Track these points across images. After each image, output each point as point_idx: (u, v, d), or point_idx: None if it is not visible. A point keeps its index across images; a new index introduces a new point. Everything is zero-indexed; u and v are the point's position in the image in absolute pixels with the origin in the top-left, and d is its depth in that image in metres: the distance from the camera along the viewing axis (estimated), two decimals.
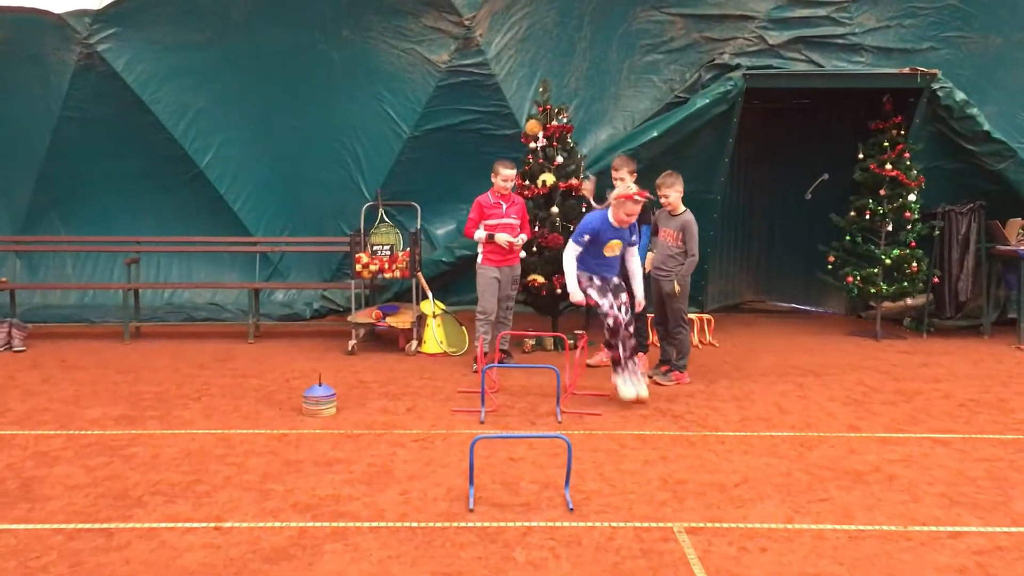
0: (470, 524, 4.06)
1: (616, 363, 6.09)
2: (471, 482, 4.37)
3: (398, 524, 4.05)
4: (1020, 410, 6.19)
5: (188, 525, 4.01)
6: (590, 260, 6.12)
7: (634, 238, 6.23)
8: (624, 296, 6.17)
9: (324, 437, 5.41)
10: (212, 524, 4.02)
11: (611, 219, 6.04)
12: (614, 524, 4.07)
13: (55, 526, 3.99)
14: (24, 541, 3.83)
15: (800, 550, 3.80)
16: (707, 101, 8.53)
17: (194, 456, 5.02)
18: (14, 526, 3.99)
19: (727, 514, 4.21)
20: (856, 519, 4.17)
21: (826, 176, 10.11)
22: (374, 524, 4.05)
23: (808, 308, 10.94)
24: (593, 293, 6.09)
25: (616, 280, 6.23)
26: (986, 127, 8.60)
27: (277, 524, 4.03)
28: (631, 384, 6.05)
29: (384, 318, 8.16)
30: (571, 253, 6.09)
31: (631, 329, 6.14)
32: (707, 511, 4.25)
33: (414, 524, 4.05)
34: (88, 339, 8.68)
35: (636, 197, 5.96)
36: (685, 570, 3.60)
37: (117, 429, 5.55)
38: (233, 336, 8.86)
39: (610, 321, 6.02)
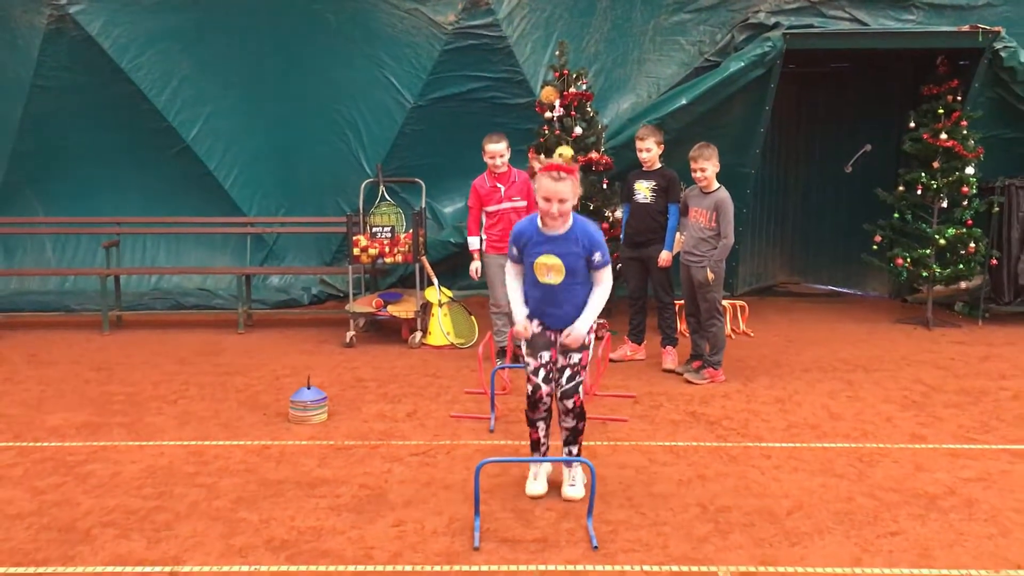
0: (475, 568, 3.45)
1: (534, 444, 4.19)
2: (476, 513, 3.77)
3: (389, 568, 3.45)
4: None
5: (139, 569, 3.42)
6: (530, 290, 4.04)
7: (596, 256, 3.87)
8: (549, 355, 4.03)
9: (310, 450, 4.81)
10: (168, 568, 3.43)
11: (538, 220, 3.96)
12: (647, 568, 3.46)
13: None
14: None
15: None
16: (742, 64, 7.83)
17: (159, 475, 4.43)
18: None
19: (782, 554, 3.58)
20: (937, 561, 3.53)
21: (868, 147, 9.37)
22: (360, 568, 3.44)
23: (848, 291, 10.26)
24: (524, 347, 4.09)
25: (562, 329, 3.99)
26: None
27: (245, 568, 3.44)
28: (540, 480, 4.19)
29: (385, 307, 7.54)
30: (508, 272, 4.12)
31: (569, 403, 4.02)
32: (757, 549, 3.62)
33: (408, 568, 3.44)
34: (64, 329, 8.12)
35: (555, 173, 3.73)
36: None
37: (77, 440, 4.97)
38: (223, 325, 8.28)
39: (529, 388, 4.05)
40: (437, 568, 3.45)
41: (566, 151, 7.22)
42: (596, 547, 3.60)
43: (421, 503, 4.09)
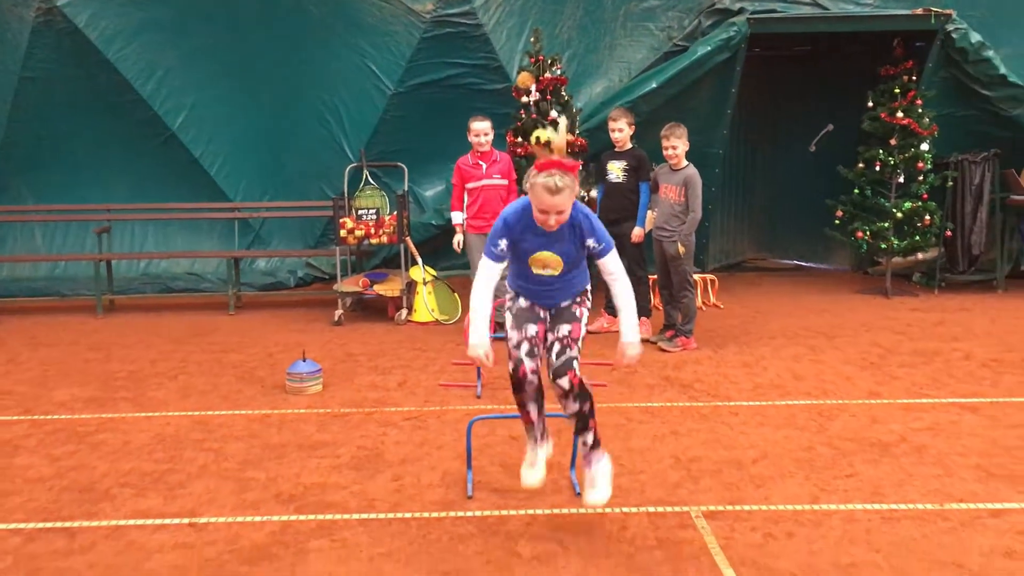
0: (469, 513, 3.75)
1: (528, 427, 3.66)
2: (469, 466, 4.06)
3: (390, 515, 3.74)
4: None
5: (159, 522, 3.69)
6: (517, 279, 3.59)
7: (591, 242, 3.38)
8: (536, 328, 3.50)
9: (309, 417, 5.08)
10: (186, 520, 3.70)
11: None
12: (626, 510, 3.77)
13: (13, 526, 3.66)
14: None
15: (830, 535, 3.50)
16: (708, 49, 8.15)
17: (168, 442, 4.69)
18: None
19: (747, 495, 3.91)
20: (887, 497, 3.87)
21: (831, 127, 9.74)
22: (364, 516, 3.73)
23: (813, 265, 10.63)
24: (509, 318, 3.58)
25: (556, 310, 3.57)
26: (1002, 70, 8.24)
27: (257, 518, 3.71)
28: (538, 467, 3.65)
29: (372, 286, 7.80)
30: (481, 276, 3.46)
31: (563, 382, 3.39)
32: (725, 492, 3.94)
33: (407, 515, 3.73)
34: (59, 314, 8.31)
35: (554, 180, 3.15)
36: (707, 561, 3.30)
37: (86, 413, 5.21)
38: (213, 307, 8.50)
39: (510, 365, 3.47)
40: (435, 515, 3.74)
41: (542, 134, 7.48)
42: (579, 493, 3.91)
43: (416, 461, 4.38)
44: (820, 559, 3.31)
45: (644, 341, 6.73)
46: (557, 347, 3.44)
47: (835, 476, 4.11)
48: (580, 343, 3.49)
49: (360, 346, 6.86)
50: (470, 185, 6.95)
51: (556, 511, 3.75)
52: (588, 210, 3.44)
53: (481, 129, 6.92)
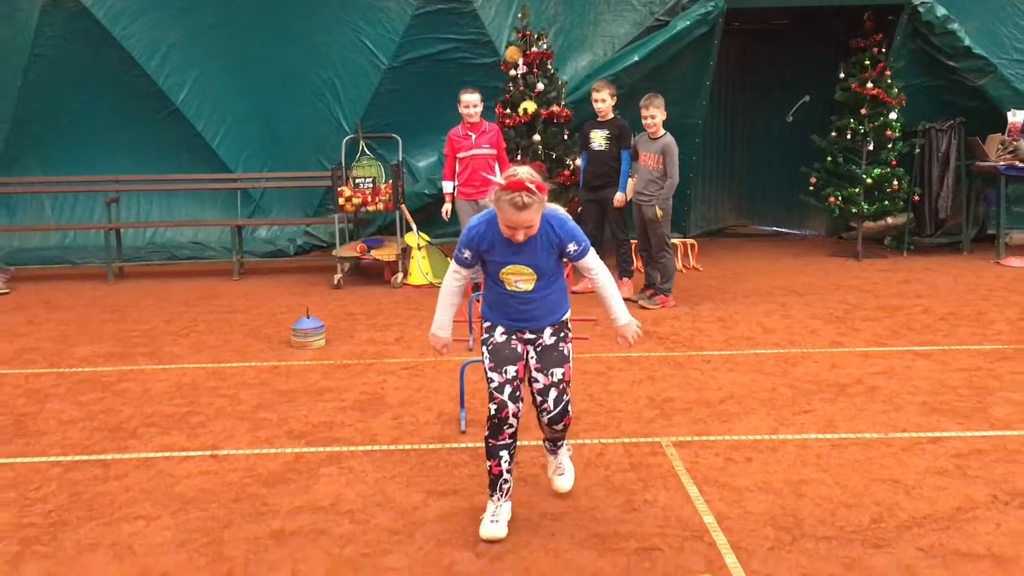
0: (463, 445, 4.13)
1: (493, 480, 3.34)
2: (462, 405, 4.44)
3: (392, 447, 4.12)
4: (999, 322, 6.30)
5: (184, 454, 4.07)
6: (491, 296, 3.37)
7: (571, 247, 3.23)
8: (516, 370, 3.29)
9: (314, 368, 5.45)
10: (208, 452, 4.08)
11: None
12: (603, 440, 4.16)
13: (52, 459, 4.04)
14: (22, 474, 3.87)
15: (784, 459, 3.90)
16: (687, 23, 8.44)
17: (186, 389, 5.06)
18: (11, 460, 4.04)
19: (713, 428, 4.30)
20: (839, 428, 4.27)
21: (807, 98, 10.12)
22: (368, 448, 4.12)
23: (790, 231, 11.00)
24: (486, 354, 3.34)
25: (533, 335, 3.34)
26: (967, 42, 8.56)
27: (272, 450, 4.10)
28: (501, 523, 3.28)
29: (369, 251, 8.15)
30: (449, 277, 3.38)
31: (559, 427, 3.39)
32: (693, 426, 4.34)
33: (407, 447, 4.12)
34: (71, 280, 8.64)
35: (520, 197, 3.00)
36: (673, 481, 3.69)
37: (107, 366, 5.58)
38: (217, 274, 8.84)
39: (492, 407, 3.28)
40: (432, 446, 4.13)
41: (530, 105, 7.84)
42: None
43: (414, 403, 4.76)
44: (774, 478, 3.71)
45: (626, 300, 7.17)
46: (554, 393, 3.30)
47: (794, 412, 4.51)
48: (569, 386, 3.39)
49: (359, 307, 7.23)
50: (461, 154, 7.28)
51: (541, 443, 4.13)
52: (560, 214, 3.25)
53: (471, 101, 7.24)
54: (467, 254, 3.28)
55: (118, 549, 3.18)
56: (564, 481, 3.58)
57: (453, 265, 3.35)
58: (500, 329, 3.36)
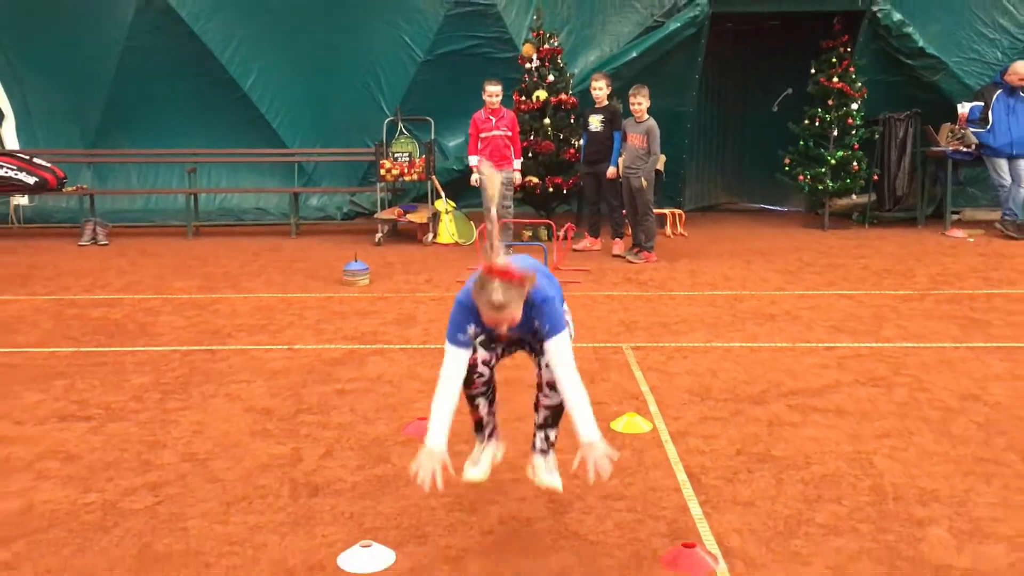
0: None
1: (476, 424, 3.18)
2: None
3: (421, 346, 5.36)
4: (920, 276, 7.41)
5: (268, 347, 5.33)
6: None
7: (537, 324, 2.79)
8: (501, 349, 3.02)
9: (361, 299, 6.70)
10: (285, 346, 5.35)
11: None
12: (579, 345, 5.34)
13: (172, 348, 5.32)
14: (153, 356, 5.16)
15: (710, 358, 5.07)
16: (678, 25, 9.57)
17: (263, 310, 6.33)
18: (143, 348, 5.33)
19: (664, 339, 5.49)
20: (758, 340, 5.44)
21: (790, 90, 11.16)
22: (403, 346, 5.35)
23: (774, 207, 12.09)
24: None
25: (519, 335, 2.94)
26: (920, 43, 9.62)
27: (332, 346, 5.35)
28: (482, 465, 3.15)
29: (405, 215, 9.40)
30: (447, 368, 2.85)
31: (542, 396, 3.02)
32: (649, 338, 5.53)
33: (432, 346, 5.35)
34: (157, 236, 9.97)
35: (497, 296, 2.63)
36: (626, 370, 4.88)
37: (200, 294, 6.87)
38: (277, 234, 10.13)
39: (474, 370, 2.95)
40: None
41: (541, 94, 9.02)
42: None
43: (440, 321, 5.98)
44: (698, 367, 4.89)
45: (616, 256, 8.36)
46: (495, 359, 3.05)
47: (728, 331, 5.68)
48: None
49: (396, 259, 8.47)
50: (483, 135, 8.50)
51: None
52: (545, 295, 2.81)
53: (494, 91, 8.44)
54: (469, 331, 2.83)
55: (230, 397, 4.44)
56: (555, 479, 3.06)
57: (450, 352, 2.83)
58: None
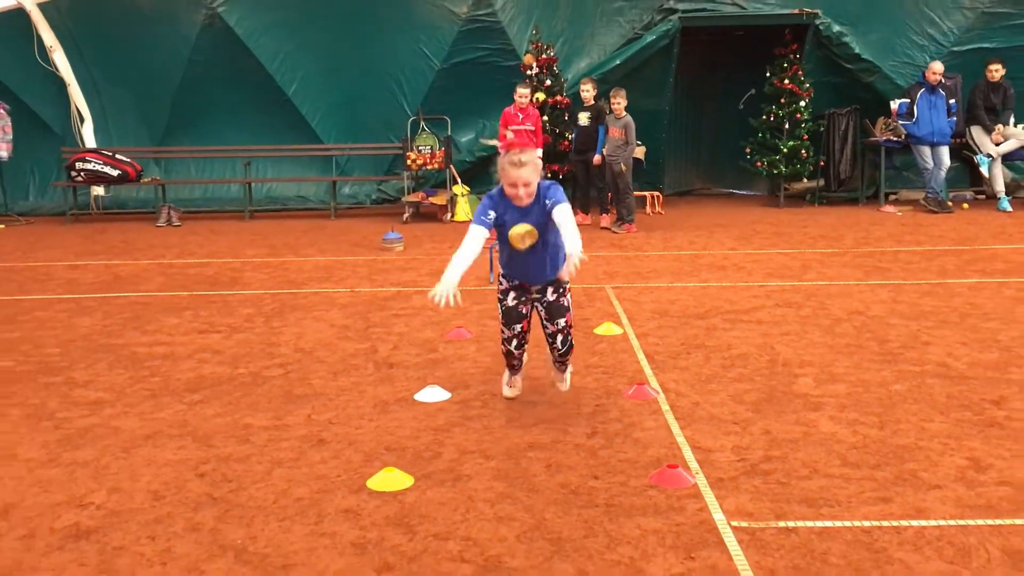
0: (491, 288, 6.71)
1: (510, 364, 4.07)
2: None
3: None
4: (848, 240, 8.75)
5: (336, 290, 6.68)
6: (504, 256, 3.87)
7: (547, 201, 3.58)
8: (521, 327, 3.86)
9: (398, 261, 8.05)
10: (347, 289, 6.70)
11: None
12: (571, 285, 6.70)
13: (261, 291, 6.67)
14: (249, 298, 6.50)
15: (671, 294, 6.42)
16: (653, 37, 10.89)
17: (323, 268, 7.68)
18: (239, 292, 6.68)
19: (636, 281, 6.84)
20: (708, 282, 6.79)
21: (753, 91, 12.45)
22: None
23: (742, 192, 13.44)
24: (500, 312, 3.87)
25: (538, 293, 3.84)
26: (857, 50, 10.94)
27: (383, 289, 6.70)
28: (516, 387, 4.14)
29: (427, 198, 10.75)
30: (469, 237, 3.62)
31: (567, 360, 4.01)
32: (625, 281, 6.87)
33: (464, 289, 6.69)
34: (218, 220, 11.33)
35: (517, 155, 3.54)
36: (605, 301, 6.22)
37: (270, 257, 8.23)
38: (318, 217, 11.48)
39: (503, 349, 3.97)
40: (473, 288, 6.70)
41: (540, 95, 10.36)
42: None
43: (466, 274, 7.32)
44: (660, 299, 6.23)
45: (604, 228, 9.72)
46: (560, 336, 3.85)
47: (687, 277, 7.03)
48: (571, 329, 3.89)
49: (422, 233, 9.82)
50: (512, 127, 9.79)
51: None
52: (550, 182, 3.65)
53: (524, 92, 9.77)
54: (492, 215, 3.63)
55: (316, 319, 5.79)
56: (564, 385, 4.09)
57: (473, 228, 3.60)
58: (512, 294, 3.83)
